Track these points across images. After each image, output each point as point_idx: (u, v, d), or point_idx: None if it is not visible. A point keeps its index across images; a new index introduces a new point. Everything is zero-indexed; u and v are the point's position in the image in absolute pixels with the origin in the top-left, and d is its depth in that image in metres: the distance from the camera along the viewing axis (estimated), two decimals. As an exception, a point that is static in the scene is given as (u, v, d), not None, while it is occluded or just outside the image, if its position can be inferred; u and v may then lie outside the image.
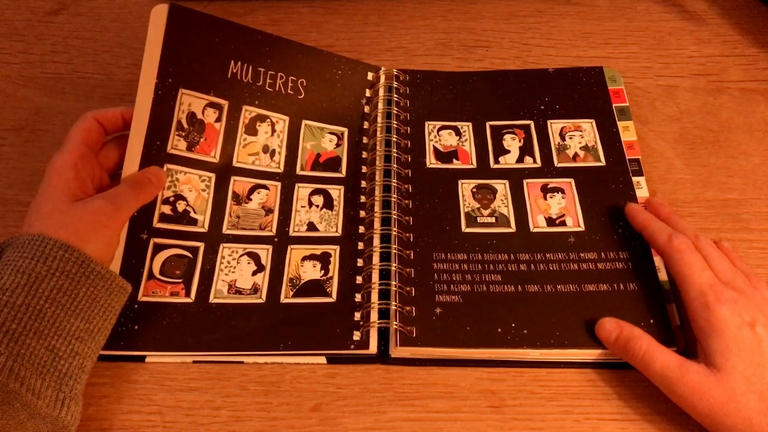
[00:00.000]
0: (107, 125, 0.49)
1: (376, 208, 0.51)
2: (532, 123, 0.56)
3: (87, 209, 0.43)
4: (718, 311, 0.40)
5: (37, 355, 0.38)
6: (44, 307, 0.39)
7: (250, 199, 0.52)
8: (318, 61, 0.58)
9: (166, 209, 0.50)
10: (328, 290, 0.48)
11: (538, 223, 0.50)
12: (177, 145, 0.51)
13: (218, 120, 0.53)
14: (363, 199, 0.52)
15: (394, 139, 0.54)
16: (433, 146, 0.55)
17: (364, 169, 0.54)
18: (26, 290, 0.39)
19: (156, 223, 0.49)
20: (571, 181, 0.52)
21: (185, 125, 0.52)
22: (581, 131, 0.55)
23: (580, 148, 0.54)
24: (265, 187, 0.53)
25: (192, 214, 0.51)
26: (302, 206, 0.52)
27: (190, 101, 0.52)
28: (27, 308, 0.38)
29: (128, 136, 0.49)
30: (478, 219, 0.51)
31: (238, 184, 0.52)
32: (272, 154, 0.54)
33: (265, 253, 0.50)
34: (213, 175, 0.52)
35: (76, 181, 0.45)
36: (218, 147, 0.53)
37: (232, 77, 0.54)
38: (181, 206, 0.51)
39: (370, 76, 0.59)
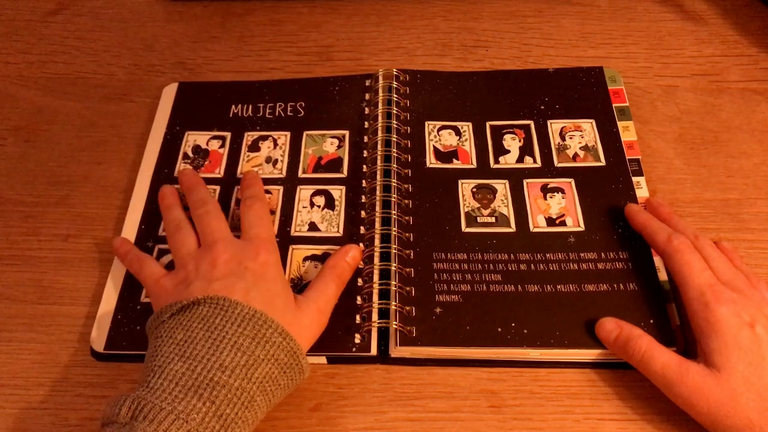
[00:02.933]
0: None
1: (377, 208, 0.51)
2: (532, 123, 0.56)
3: (308, 318, 0.43)
4: (717, 311, 0.40)
5: None
6: (256, 394, 0.38)
7: (252, 202, 0.52)
8: (314, 86, 0.60)
9: None
10: (328, 290, 0.48)
11: (538, 223, 0.50)
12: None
13: (222, 147, 0.56)
14: (364, 199, 0.52)
15: (394, 138, 0.54)
16: (433, 146, 0.55)
17: (364, 168, 0.54)
18: (244, 372, 0.38)
19: (161, 232, 0.51)
20: (571, 181, 0.52)
21: (191, 155, 0.56)
22: (581, 131, 0.55)
23: (580, 148, 0.54)
24: (267, 191, 0.53)
25: None
26: (304, 207, 0.52)
27: (195, 138, 0.57)
28: (242, 394, 0.37)
29: None
30: (478, 219, 0.51)
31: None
32: (275, 163, 0.55)
33: (265, 253, 0.50)
34: (218, 187, 0.54)
35: None
36: (222, 165, 0.55)
37: (234, 116, 0.58)
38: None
39: (367, 82, 0.60)
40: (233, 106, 0.59)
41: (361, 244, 0.49)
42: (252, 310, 0.40)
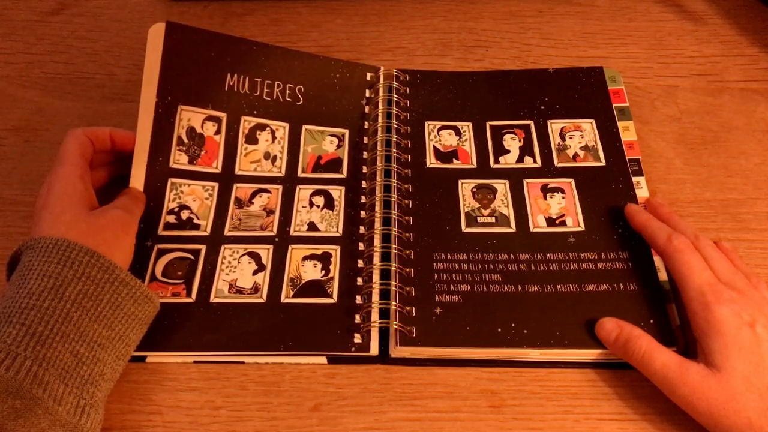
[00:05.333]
0: (96, 143, 0.49)
1: (377, 208, 0.51)
2: (532, 123, 0.56)
3: (107, 218, 0.45)
4: (717, 311, 0.40)
5: (61, 359, 0.38)
6: (70, 311, 0.39)
7: (252, 203, 0.52)
8: (315, 66, 0.59)
9: (171, 219, 0.51)
10: (328, 291, 0.48)
11: (538, 223, 0.50)
12: (179, 159, 0.52)
13: (217, 132, 0.54)
14: (363, 199, 0.52)
15: (394, 139, 0.54)
16: (433, 146, 0.55)
17: (364, 169, 0.54)
18: (53, 294, 0.39)
19: (161, 232, 0.50)
20: (571, 181, 0.52)
21: (185, 140, 0.53)
22: (581, 131, 0.55)
23: (580, 148, 0.54)
24: (266, 190, 0.53)
25: (195, 221, 0.51)
26: (303, 206, 0.52)
27: (189, 116, 0.53)
28: (54, 311, 0.38)
29: (110, 159, 0.52)
30: (478, 219, 0.51)
31: (241, 190, 0.53)
32: (273, 159, 0.54)
33: (265, 252, 0.50)
34: (216, 184, 0.53)
35: (87, 192, 0.46)
36: (219, 158, 0.54)
37: (229, 89, 0.55)
38: (185, 215, 0.51)
39: (369, 76, 0.59)
40: (229, 76, 0.56)
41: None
42: (54, 239, 0.41)
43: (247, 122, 0.55)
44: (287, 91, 0.57)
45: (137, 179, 0.51)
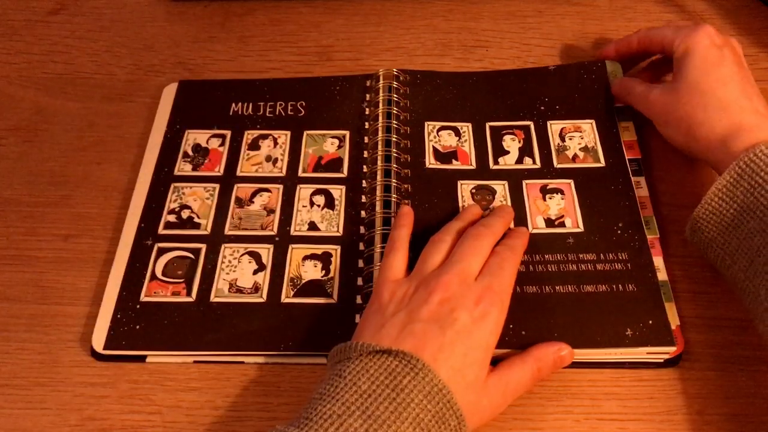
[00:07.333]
0: None
1: (377, 208, 0.51)
2: (531, 124, 0.56)
3: (488, 400, 0.40)
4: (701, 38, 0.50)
5: None
6: None
7: (253, 202, 0.53)
8: (315, 84, 0.60)
9: (171, 218, 0.52)
10: (329, 291, 0.48)
11: (537, 224, 0.50)
12: (183, 168, 0.55)
13: (221, 145, 0.56)
14: (364, 198, 0.52)
15: (394, 139, 0.55)
16: (433, 146, 0.55)
17: (364, 168, 0.54)
18: None
19: (161, 231, 0.51)
20: (571, 182, 0.52)
21: (191, 153, 0.56)
22: (581, 132, 0.55)
23: (580, 149, 0.54)
24: (267, 190, 0.53)
25: (195, 220, 0.52)
26: (303, 206, 0.52)
27: (195, 136, 0.57)
28: None
29: None
30: (478, 219, 0.51)
31: (241, 189, 0.53)
32: (275, 162, 0.55)
33: (266, 252, 0.50)
34: (217, 185, 0.54)
35: None
36: (222, 164, 0.55)
37: (234, 114, 0.58)
38: (185, 214, 0.52)
39: (368, 83, 0.60)
40: (233, 105, 0.59)
41: None
42: (441, 384, 0.37)
43: (250, 135, 0.57)
44: (289, 108, 0.59)
45: (141, 187, 0.54)
